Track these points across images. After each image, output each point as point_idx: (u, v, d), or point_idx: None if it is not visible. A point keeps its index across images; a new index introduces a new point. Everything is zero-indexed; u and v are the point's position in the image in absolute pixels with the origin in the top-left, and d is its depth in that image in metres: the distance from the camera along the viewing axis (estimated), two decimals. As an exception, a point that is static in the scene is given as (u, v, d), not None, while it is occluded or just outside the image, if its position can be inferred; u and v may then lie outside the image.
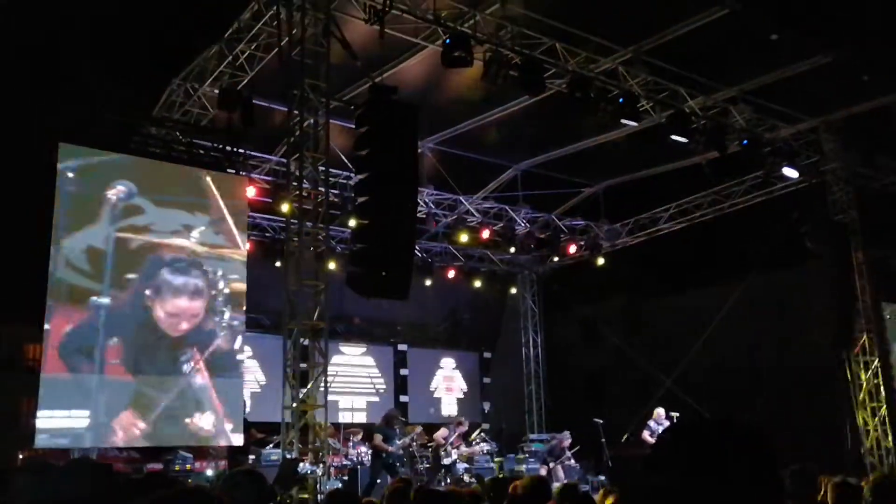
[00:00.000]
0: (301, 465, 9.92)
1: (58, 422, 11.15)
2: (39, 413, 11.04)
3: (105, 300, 11.82)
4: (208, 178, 13.21)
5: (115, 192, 12.32)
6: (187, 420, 12.03)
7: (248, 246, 13.89)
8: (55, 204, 11.89)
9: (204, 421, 12.10)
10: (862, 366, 15.88)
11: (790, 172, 15.48)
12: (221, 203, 13.11)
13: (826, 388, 16.96)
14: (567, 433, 16.50)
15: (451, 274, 20.13)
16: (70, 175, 12.08)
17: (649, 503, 1.25)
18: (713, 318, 17.48)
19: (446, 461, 14.16)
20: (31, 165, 12.82)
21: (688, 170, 16.71)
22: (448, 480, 13.98)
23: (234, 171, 14.20)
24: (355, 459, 14.30)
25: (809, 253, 15.81)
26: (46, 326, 11.37)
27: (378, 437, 13.98)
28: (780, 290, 17.42)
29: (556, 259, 20.54)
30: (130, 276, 12.16)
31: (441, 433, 14.46)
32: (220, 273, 12.85)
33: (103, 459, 12.05)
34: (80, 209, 12.12)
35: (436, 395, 20.59)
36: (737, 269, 17.55)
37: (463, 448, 14.85)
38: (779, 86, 13.79)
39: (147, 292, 12.23)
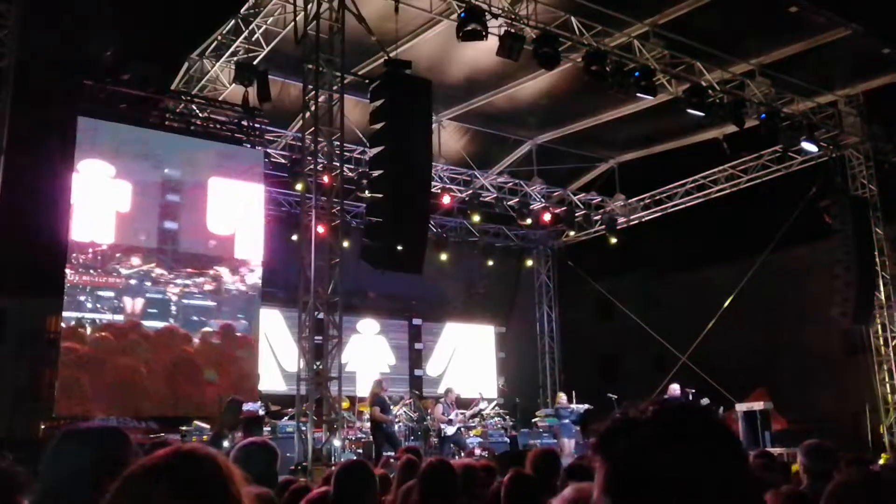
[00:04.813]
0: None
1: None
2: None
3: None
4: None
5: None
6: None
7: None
8: (72, 179, 12.03)
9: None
10: (882, 342, 15.79)
11: (809, 147, 15.29)
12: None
13: (845, 365, 16.91)
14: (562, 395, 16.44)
15: (466, 248, 20.14)
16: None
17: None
18: (730, 294, 17.39)
19: (449, 431, 14.28)
20: (50, 141, 12.93)
21: (704, 145, 16.60)
22: (462, 454, 14.07)
23: (250, 146, 14.32)
24: (369, 433, 14.39)
25: (828, 228, 15.69)
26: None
27: (377, 409, 14.06)
28: (798, 266, 17.35)
29: (571, 234, 20.47)
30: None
31: (438, 410, 14.51)
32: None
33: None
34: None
35: (450, 368, 20.64)
36: (754, 245, 17.45)
37: (460, 415, 14.94)
38: (797, 59, 13.66)
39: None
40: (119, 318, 12.43)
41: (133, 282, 12.59)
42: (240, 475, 1.40)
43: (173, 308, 12.92)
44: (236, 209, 13.69)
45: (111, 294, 12.45)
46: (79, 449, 2.11)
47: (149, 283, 12.74)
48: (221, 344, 13.10)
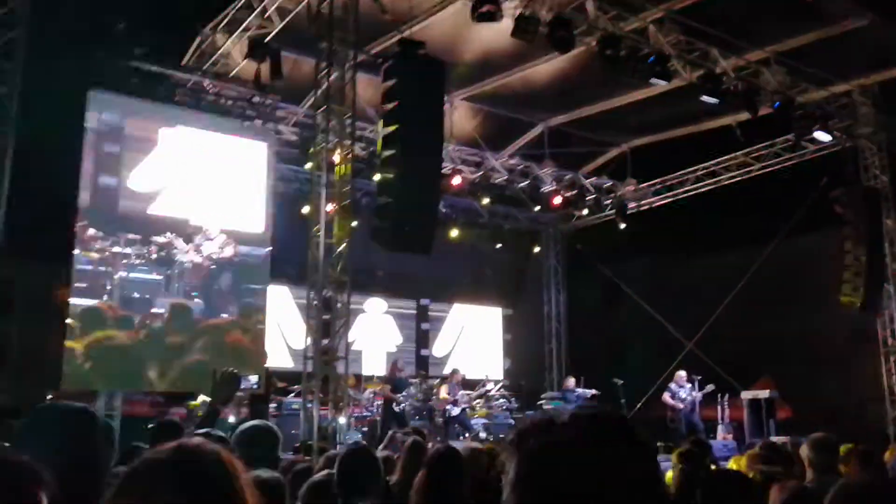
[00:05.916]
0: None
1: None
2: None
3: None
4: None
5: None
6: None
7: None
8: (82, 149, 12.01)
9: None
10: (889, 333, 15.75)
11: (822, 136, 15.25)
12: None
13: (852, 355, 16.86)
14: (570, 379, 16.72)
15: (475, 230, 20.12)
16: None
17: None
18: (738, 282, 17.34)
19: (455, 412, 14.42)
20: (60, 112, 12.91)
21: (717, 131, 16.51)
22: (466, 435, 14.15)
23: (261, 121, 14.31)
24: (374, 411, 14.49)
25: (839, 218, 15.62)
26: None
27: (387, 388, 14.20)
28: (808, 255, 17.24)
29: (584, 213, 20.37)
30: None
31: (443, 390, 14.66)
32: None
33: (129, 402, 12.37)
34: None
35: (456, 349, 20.71)
36: (764, 233, 17.38)
37: (465, 395, 15.05)
38: (813, 48, 13.52)
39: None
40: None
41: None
42: (244, 471, 1.40)
43: (107, 283, 10.32)
44: (195, 165, 11.91)
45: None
46: (46, 432, 2.11)
47: (78, 251, 10.15)
48: (165, 328, 10.52)
